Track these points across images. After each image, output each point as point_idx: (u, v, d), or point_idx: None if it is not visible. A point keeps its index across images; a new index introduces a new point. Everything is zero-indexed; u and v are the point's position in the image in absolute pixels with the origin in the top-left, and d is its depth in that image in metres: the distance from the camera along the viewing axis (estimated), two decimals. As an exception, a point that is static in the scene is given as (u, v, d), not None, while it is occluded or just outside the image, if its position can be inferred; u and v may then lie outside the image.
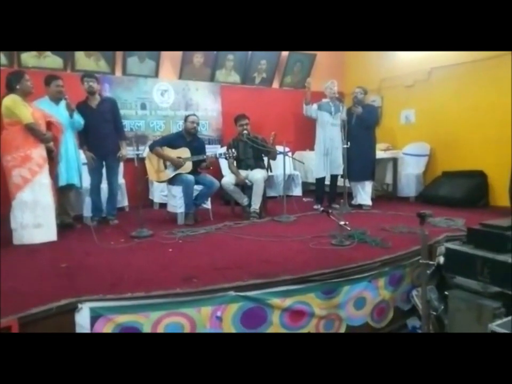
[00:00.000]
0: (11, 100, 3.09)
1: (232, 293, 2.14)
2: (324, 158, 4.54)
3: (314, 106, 4.59)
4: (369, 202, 4.59)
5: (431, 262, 2.40)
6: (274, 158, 4.34)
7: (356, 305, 2.51)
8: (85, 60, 4.76)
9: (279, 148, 4.32)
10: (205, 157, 4.07)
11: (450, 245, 2.56)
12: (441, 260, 2.66)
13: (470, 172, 4.73)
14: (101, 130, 3.75)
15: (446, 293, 2.46)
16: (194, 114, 4.23)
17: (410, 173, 5.29)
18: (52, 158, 3.28)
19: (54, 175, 3.37)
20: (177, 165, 3.95)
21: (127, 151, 4.02)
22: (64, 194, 3.66)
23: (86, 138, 3.79)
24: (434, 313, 2.47)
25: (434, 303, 2.50)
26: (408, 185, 5.25)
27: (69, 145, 3.62)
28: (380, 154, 4.99)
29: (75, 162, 3.66)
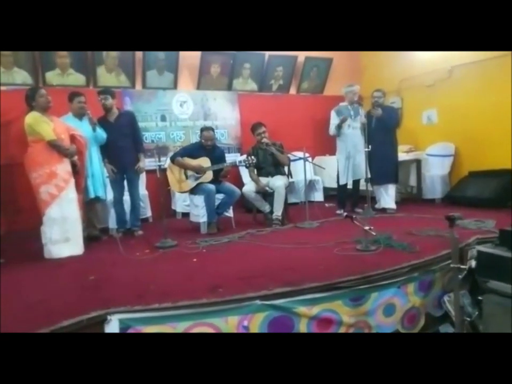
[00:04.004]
0: (32, 118, 3.15)
1: (258, 302, 2.13)
2: (347, 162, 4.48)
3: (332, 113, 4.55)
4: (394, 206, 4.50)
5: (462, 266, 2.32)
6: (286, 164, 4.30)
7: (385, 312, 2.44)
8: (106, 76, 4.90)
9: (299, 154, 4.30)
10: (225, 165, 4.08)
11: (482, 248, 2.46)
12: (473, 263, 2.56)
13: (498, 170, 4.57)
14: (119, 144, 3.82)
15: (479, 297, 2.37)
16: (207, 129, 4.13)
17: (435, 174, 5.17)
18: (77, 172, 3.35)
19: (81, 188, 3.44)
20: (198, 171, 3.97)
21: (145, 163, 4.07)
22: (90, 207, 3.75)
23: (106, 151, 3.87)
24: (468, 319, 2.38)
25: (467, 309, 2.41)
26: (434, 186, 5.13)
27: (94, 159, 3.71)
28: (402, 156, 4.89)
29: (100, 175, 3.75)
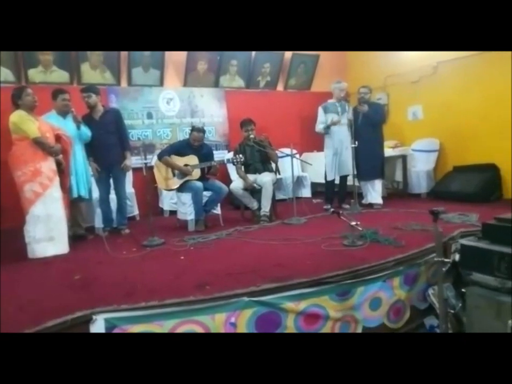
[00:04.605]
0: (17, 116, 3.13)
1: (245, 298, 2.13)
2: (334, 158, 4.51)
3: (320, 110, 4.57)
4: (380, 201, 4.55)
5: (446, 260, 2.36)
6: (275, 161, 4.30)
7: (372, 306, 2.47)
8: (90, 73, 4.82)
9: (286, 150, 4.31)
10: (213, 163, 4.07)
11: (465, 241, 2.50)
12: (457, 256, 2.61)
13: (482, 165, 4.65)
14: (105, 141, 3.77)
15: (463, 290, 2.41)
16: (199, 130, 4.09)
17: (421, 169, 5.24)
18: (62, 171, 3.31)
19: (66, 187, 3.40)
20: (185, 173, 3.96)
21: (132, 161, 4.03)
22: (75, 206, 3.70)
23: (91, 150, 3.82)
24: (452, 311, 2.43)
25: (451, 301, 2.46)
26: (419, 181, 5.20)
27: (78, 157, 3.66)
28: (388, 151, 4.94)
29: (83, 174, 3.69)
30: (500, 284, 2.23)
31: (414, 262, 2.65)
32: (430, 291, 2.64)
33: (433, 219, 2.21)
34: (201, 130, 4.14)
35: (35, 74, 4.54)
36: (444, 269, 2.36)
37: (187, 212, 3.93)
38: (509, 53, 4.18)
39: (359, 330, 2.44)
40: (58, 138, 3.34)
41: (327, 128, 4.49)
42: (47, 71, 4.60)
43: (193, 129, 4.12)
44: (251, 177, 4.19)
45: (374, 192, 4.56)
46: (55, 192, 3.18)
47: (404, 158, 5.24)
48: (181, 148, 4.10)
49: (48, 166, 3.16)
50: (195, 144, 4.07)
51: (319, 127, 4.58)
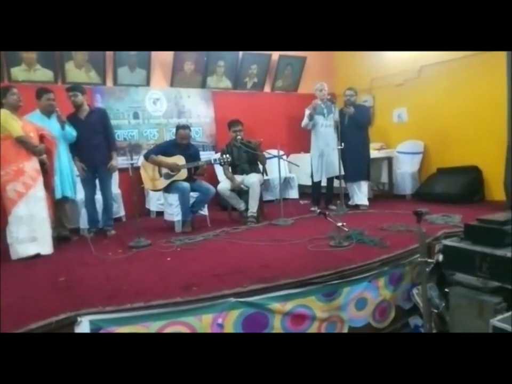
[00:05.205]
0: (1, 115, 3.07)
1: (232, 299, 2.13)
2: (320, 160, 4.54)
3: (307, 112, 4.59)
4: (366, 202, 4.60)
5: (429, 260, 2.40)
6: (263, 163, 4.33)
7: (357, 306, 2.50)
8: (75, 72, 4.76)
9: (273, 152, 4.32)
10: (200, 163, 4.06)
11: (448, 242, 2.55)
12: (440, 257, 2.66)
13: (465, 167, 4.75)
14: (91, 141, 3.73)
15: (446, 290, 2.46)
16: (184, 127, 4.11)
17: (406, 171, 5.31)
18: (46, 171, 3.26)
19: (50, 188, 3.35)
20: (173, 170, 3.93)
21: (118, 161, 3.99)
22: (59, 206, 3.64)
23: (77, 149, 3.77)
24: (436, 310, 2.46)
25: (435, 301, 2.50)
26: (404, 183, 5.27)
27: (62, 157, 3.60)
28: (374, 153, 5.00)
29: (68, 174, 3.65)
30: (481, 284, 2.28)
31: (398, 263, 2.69)
32: (415, 291, 2.67)
33: (417, 220, 2.26)
34: (187, 127, 4.15)
35: (18, 72, 4.45)
36: (427, 269, 2.41)
37: (174, 212, 3.90)
38: (492, 56, 4.28)
39: (345, 330, 2.46)
40: (42, 138, 3.30)
41: (310, 117, 4.47)
42: (30, 69, 4.52)
43: (179, 127, 4.12)
44: (238, 178, 4.19)
45: (360, 194, 4.61)
46: (38, 192, 3.13)
47: (389, 159, 5.32)
48: (167, 148, 4.07)
49: (31, 165, 3.12)
50: (183, 143, 4.05)
51: (305, 121, 4.56)
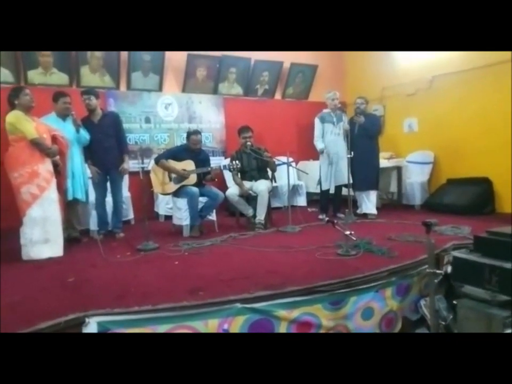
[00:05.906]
0: (14, 116, 3.10)
1: (238, 305, 2.14)
2: (329, 168, 4.54)
3: (316, 121, 4.61)
4: (374, 211, 4.58)
5: (438, 271, 2.38)
6: (273, 170, 4.36)
7: (364, 315, 2.48)
8: (90, 76, 4.85)
9: (283, 159, 4.34)
10: (209, 169, 4.09)
11: (457, 254, 2.53)
12: (449, 268, 2.64)
13: (475, 178, 4.71)
14: (103, 144, 3.79)
15: (454, 302, 2.43)
16: (196, 133, 4.15)
17: (415, 181, 5.29)
18: (59, 172, 3.30)
19: (62, 189, 3.39)
20: (182, 176, 3.97)
21: (129, 164, 4.04)
22: (70, 208, 3.69)
23: (90, 153, 3.84)
24: (443, 323, 2.44)
25: (443, 313, 2.47)
26: (413, 193, 5.24)
27: (75, 160, 3.66)
28: (383, 163, 4.99)
29: (80, 177, 3.70)
30: (490, 297, 2.26)
31: (406, 273, 2.67)
32: (422, 302, 2.65)
33: (426, 231, 2.24)
34: (199, 133, 4.20)
35: (35, 75, 4.55)
36: (435, 281, 2.38)
37: (182, 217, 3.93)
38: (504, 68, 4.26)
39: (351, 340, 2.45)
40: (54, 139, 3.32)
41: (323, 150, 4.53)
42: (46, 73, 4.62)
43: (191, 133, 4.16)
44: (247, 184, 4.21)
45: (369, 203, 4.59)
46: (52, 194, 3.17)
47: (398, 169, 5.30)
48: (178, 153, 4.12)
49: (45, 167, 3.15)
50: (196, 147, 4.10)
51: (318, 145, 4.59)
